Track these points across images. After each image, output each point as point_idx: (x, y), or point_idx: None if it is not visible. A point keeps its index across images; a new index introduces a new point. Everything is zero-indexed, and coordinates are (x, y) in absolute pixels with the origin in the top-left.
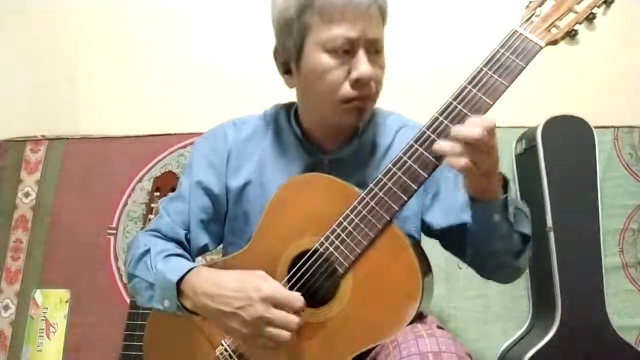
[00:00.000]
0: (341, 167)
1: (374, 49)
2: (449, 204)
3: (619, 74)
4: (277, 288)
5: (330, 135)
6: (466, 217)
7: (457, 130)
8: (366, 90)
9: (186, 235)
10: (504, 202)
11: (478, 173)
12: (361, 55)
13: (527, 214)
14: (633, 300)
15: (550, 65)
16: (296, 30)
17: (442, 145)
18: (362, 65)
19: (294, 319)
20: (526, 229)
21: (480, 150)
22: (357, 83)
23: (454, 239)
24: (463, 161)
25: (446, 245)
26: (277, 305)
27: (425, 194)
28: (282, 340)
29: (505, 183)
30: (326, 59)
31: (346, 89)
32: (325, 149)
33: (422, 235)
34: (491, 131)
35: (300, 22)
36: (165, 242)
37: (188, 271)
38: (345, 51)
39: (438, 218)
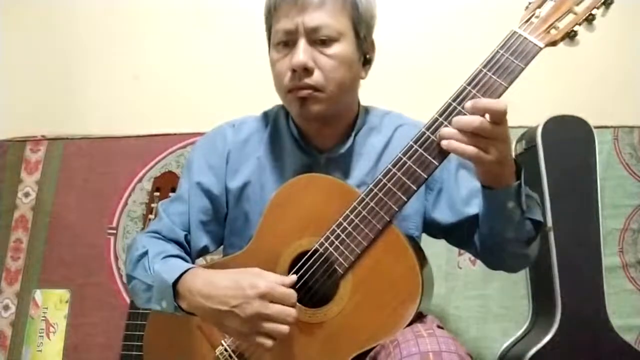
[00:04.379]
0: (337, 165)
1: (319, 38)
2: (453, 199)
3: (619, 74)
4: (272, 284)
5: (323, 132)
6: (470, 209)
7: (457, 119)
8: (304, 79)
9: (186, 236)
10: (518, 189)
11: (487, 160)
12: (298, 45)
13: (537, 201)
14: (633, 300)
15: (550, 66)
16: (266, 29)
17: (448, 131)
18: (295, 55)
19: (291, 312)
20: (538, 215)
21: (485, 137)
22: (293, 73)
23: (460, 233)
24: (469, 149)
25: (453, 240)
26: (274, 301)
27: (428, 191)
28: (281, 334)
29: (517, 169)
30: (274, 53)
31: (287, 79)
32: (321, 147)
33: (426, 235)
34: (496, 118)
35: (267, 22)
36: (164, 243)
37: (184, 272)
38: (286, 43)
39: (445, 214)
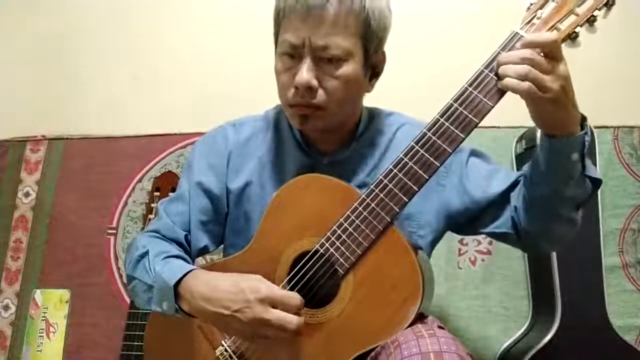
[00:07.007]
0: (340, 168)
1: (326, 57)
2: (472, 185)
3: (619, 75)
4: (274, 288)
5: (325, 137)
6: (494, 189)
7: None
8: (306, 97)
9: (186, 236)
10: (583, 139)
11: (545, 98)
12: (304, 62)
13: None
14: (633, 300)
15: None
16: (274, 33)
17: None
18: (299, 73)
19: (292, 319)
20: (594, 172)
21: (541, 72)
22: (296, 89)
23: (491, 215)
24: (525, 84)
25: (485, 226)
26: (275, 305)
27: (441, 188)
28: (281, 339)
29: (583, 120)
30: (278, 63)
31: (290, 94)
32: (324, 150)
33: (451, 233)
34: (549, 51)
35: (276, 25)
36: (165, 243)
37: (186, 274)
38: (291, 55)
39: (467, 202)
